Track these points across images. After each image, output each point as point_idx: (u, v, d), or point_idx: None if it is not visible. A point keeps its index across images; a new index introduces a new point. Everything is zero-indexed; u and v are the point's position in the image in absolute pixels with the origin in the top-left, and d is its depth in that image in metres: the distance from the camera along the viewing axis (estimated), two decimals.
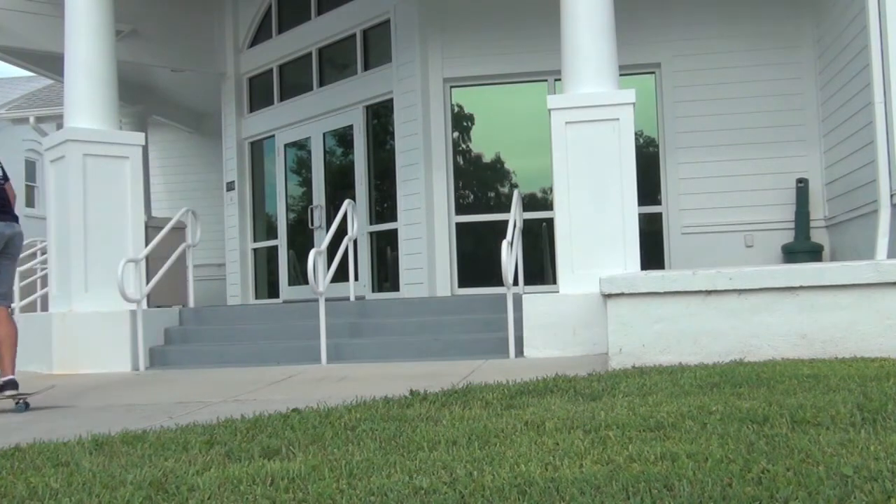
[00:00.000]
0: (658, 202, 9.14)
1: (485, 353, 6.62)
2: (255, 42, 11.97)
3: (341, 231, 8.07)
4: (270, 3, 11.72)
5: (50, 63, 10.63)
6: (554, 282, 7.09)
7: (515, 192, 7.48)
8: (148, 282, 7.66)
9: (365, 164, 10.41)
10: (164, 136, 15.11)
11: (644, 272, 5.63)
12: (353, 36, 10.58)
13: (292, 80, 11.58)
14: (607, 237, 6.25)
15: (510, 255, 6.53)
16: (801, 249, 8.54)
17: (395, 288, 9.88)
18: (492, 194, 9.84)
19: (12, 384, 5.08)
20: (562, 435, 2.94)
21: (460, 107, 9.77)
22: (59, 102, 11.71)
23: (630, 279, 5.24)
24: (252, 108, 12.10)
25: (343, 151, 10.95)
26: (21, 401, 5.06)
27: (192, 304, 8.56)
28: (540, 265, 9.40)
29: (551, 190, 7.28)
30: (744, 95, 8.96)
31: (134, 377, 6.69)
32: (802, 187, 8.69)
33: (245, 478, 2.55)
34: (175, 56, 11.52)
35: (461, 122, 9.81)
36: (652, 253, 8.66)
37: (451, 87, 9.64)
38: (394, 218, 9.88)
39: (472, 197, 9.82)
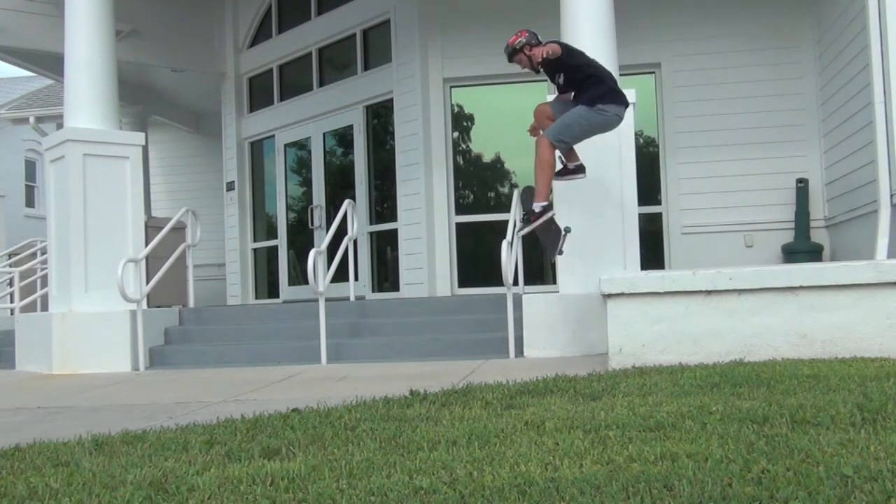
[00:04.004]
0: (658, 202, 9.14)
1: (485, 353, 6.62)
2: (255, 42, 11.97)
3: (341, 231, 8.07)
4: (270, 4, 11.72)
5: (50, 63, 10.63)
6: (554, 282, 7.09)
7: (515, 192, 7.47)
8: (148, 282, 7.66)
9: (365, 164, 10.41)
10: (164, 136, 15.11)
11: (644, 272, 5.63)
12: (353, 36, 10.58)
13: (292, 80, 11.58)
14: (607, 237, 6.25)
15: (510, 255, 6.53)
16: (801, 249, 8.53)
17: (395, 288, 9.88)
18: (492, 194, 9.84)
19: None
20: (562, 435, 2.94)
21: (460, 107, 9.77)
22: (59, 102, 11.71)
23: (630, 279, 5.24)
24: (252, 108, 12.10)
25: (343, 151, 10.95)
26: None
27: (192, 304, 8.56)
28: (540, 265, 9.39)
29: (551, 190, 7.26)
30: (744, 95, 8.96)
31: (134, 377, 6.69)
32: (802, 187, 8.69)
33: (245, 478, 2.55)
34: (175, 56, 11.52)
35: (461, 122, 9.81)
36: (652, 253, 8.66)
37: (451, 87, 9.64)
38: (394, 218, 9.88)
39: (472, 197, 9.82)
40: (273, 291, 11.66)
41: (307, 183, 11.31)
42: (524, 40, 5.78)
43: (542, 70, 5.78)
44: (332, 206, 10.46)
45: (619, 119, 5.70)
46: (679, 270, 5.60)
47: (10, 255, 12.24)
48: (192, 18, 11.61)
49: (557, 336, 6.28)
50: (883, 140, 6.85)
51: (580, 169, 5.88)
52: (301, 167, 11.50)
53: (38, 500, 2.47)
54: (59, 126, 9.45)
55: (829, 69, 8.41)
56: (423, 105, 9.48)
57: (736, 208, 8.89)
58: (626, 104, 5.74)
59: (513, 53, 5.83)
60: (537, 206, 5.63)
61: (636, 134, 7.65)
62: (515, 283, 6.90)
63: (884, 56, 6.78)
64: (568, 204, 6.32)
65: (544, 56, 5.49)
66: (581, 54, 5.76)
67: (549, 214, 5.64)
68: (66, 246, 7.32)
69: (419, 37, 9.55)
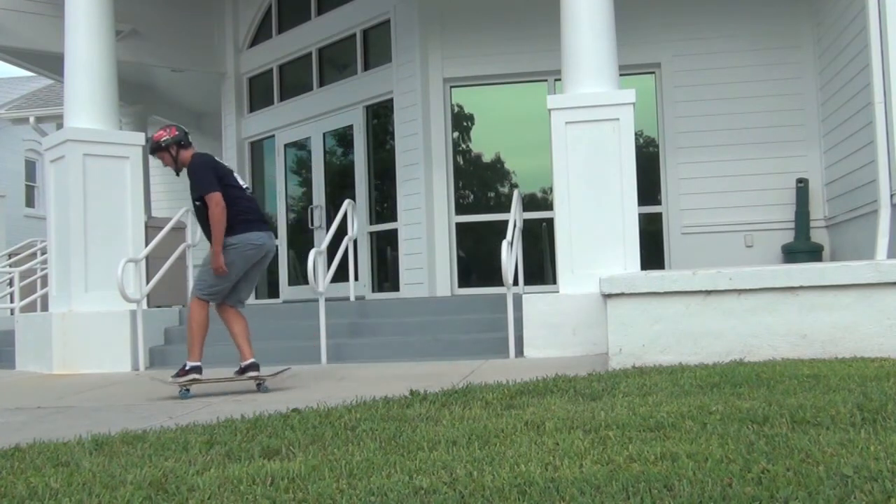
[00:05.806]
0: (658, 202, 9.14)
1: (485, 353, 6.62)
2: (255, 42, 11.97)
3: (341, 231, 8.06)
4: (270, 4, 11.71)
5: (50, 63, 10.62)
6: (554, 282, 7.09)
7: (515, 192, 7.48)
8: (148, 282, 7.66)
9: (365, 164, 10.41)
10: None
11: (644, 272, 5.63)
12: (353, 36, 10.58)
13: (292, 80, 11.58)
14: (607, 237, 6.25)
15: (510, 255, 6.53)
16: (802, 249, 8.53)
17: (395, 288, 9.87)
18: (492, 194, 9.84)
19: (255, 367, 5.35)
20: (562, 435, 2.94)
21: (460, 107, 9.77)
22: (59, 102, 11.71)
23: (630, 279, 5.24)
24: (252, 108, 12.10)
25: (343, 151, 10.95)
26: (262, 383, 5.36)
27: None
28: (540, 265, 9.40)
29: (551, 190, 7.28)
30: (744, 95, 8.95)
31: (134, 377, 6.68)
32: (802, 187, 8.69)
33: (245, 478, 2.55)
34: (175, 56, 11.51)
35: (461, 122, 9.81)
36: (652, 253, 8.66)
37: (451, 87, 9.64)
38: (394, 218, 9.88)
39: (472, 197, 9.82)
40: (273, 291, 11.66)
41: (307, 183, 11.30)
42: (170, 139, 5.44)
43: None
44: (332, 206, 10.45)
45: (261, 249, 5.27)
46: (679, 270, 5.60)
47: (10, 255, 12.25)
48: (192, 18, 11.60)
49: (557, 336, 6.28)
50: (883, 140, 6.85)
51: (253, 367, 5.28)
52: (301, 167, 11.50)
53: (38, 500, 2.47)
54: (59, 126, 9.45)
55: (828, 69, 8.41)
56: (423, 105, 9.47)
57: (736, 208, 8.89)
58: (265, 230, 5.31)
59: (156, 149, 5.47)
60: (188, 364, 5.22)
61: (636, 134, 7.65)
62: (515, 283, 6.90)
63: (884, 56, 6.78)
64: (568, 204, 6.32)
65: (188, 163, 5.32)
66: (222, 177, 5.28)
67: (192, 377, 5.19)
68: (66, 246, 7.32)
69: (419, 37, 9.55)
